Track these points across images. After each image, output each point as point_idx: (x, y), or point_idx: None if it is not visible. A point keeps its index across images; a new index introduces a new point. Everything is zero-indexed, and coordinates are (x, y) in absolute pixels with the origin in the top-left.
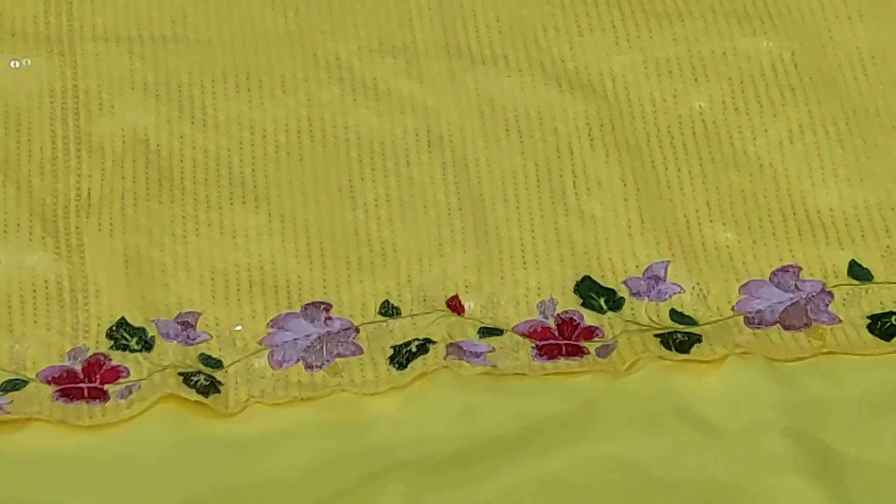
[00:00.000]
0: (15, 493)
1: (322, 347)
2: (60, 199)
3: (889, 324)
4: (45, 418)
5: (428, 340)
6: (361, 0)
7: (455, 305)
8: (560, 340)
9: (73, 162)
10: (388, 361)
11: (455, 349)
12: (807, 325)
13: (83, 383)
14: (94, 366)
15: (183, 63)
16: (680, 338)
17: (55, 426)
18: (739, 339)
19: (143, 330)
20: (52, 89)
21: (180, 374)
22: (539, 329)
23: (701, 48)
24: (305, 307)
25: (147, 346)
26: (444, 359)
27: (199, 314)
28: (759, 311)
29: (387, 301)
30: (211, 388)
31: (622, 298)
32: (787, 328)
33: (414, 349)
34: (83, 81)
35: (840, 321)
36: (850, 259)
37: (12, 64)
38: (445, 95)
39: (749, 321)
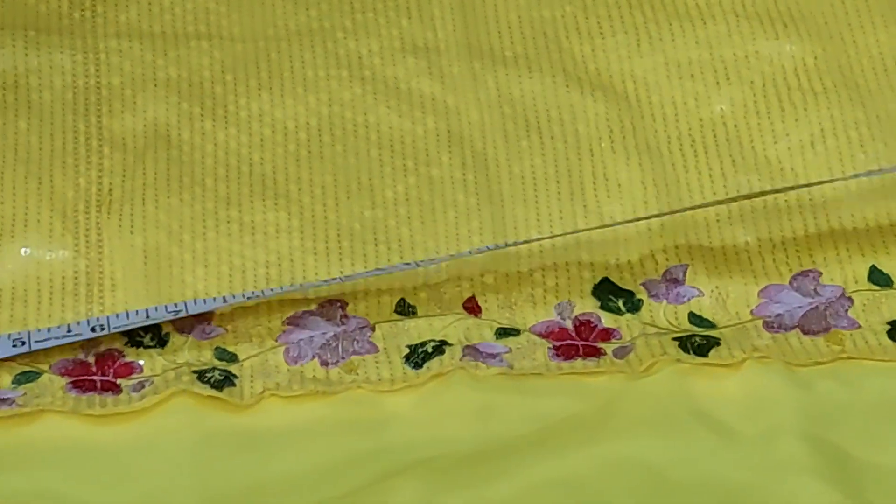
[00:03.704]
0: (29, 485)
1: (338, 345)
2: (81, 194)
3: None
4: (57, 409)
5: (444, 342)
6: None
7: (472, 307)
8: (577, 341)
9: (95, 157)
10: (403, 360)
11: (471, 350)
12: (826, 329)
13: (96, 376)
14: (108, 359)
15: (205, 60)
16: (698, 341)
17: (69, 418)
18: (758, 343)
19: (157, 326)
20: (74, 85)
21: (194, 371)
22: (556, 330)
23: (723, 51)
24: (322, 304)
25: (161, 342)
26: (460, 360)
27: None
28: (778, 316)
29: (403, 300)
30: (225, 381)
31: (640, 301)
32: (806, 333)
33: (430, 349)
34: (106, 78)
35: (860, 326)
36: (870, 264)
37: (36, 61)
38: (466, 95)
39: (768, 325)
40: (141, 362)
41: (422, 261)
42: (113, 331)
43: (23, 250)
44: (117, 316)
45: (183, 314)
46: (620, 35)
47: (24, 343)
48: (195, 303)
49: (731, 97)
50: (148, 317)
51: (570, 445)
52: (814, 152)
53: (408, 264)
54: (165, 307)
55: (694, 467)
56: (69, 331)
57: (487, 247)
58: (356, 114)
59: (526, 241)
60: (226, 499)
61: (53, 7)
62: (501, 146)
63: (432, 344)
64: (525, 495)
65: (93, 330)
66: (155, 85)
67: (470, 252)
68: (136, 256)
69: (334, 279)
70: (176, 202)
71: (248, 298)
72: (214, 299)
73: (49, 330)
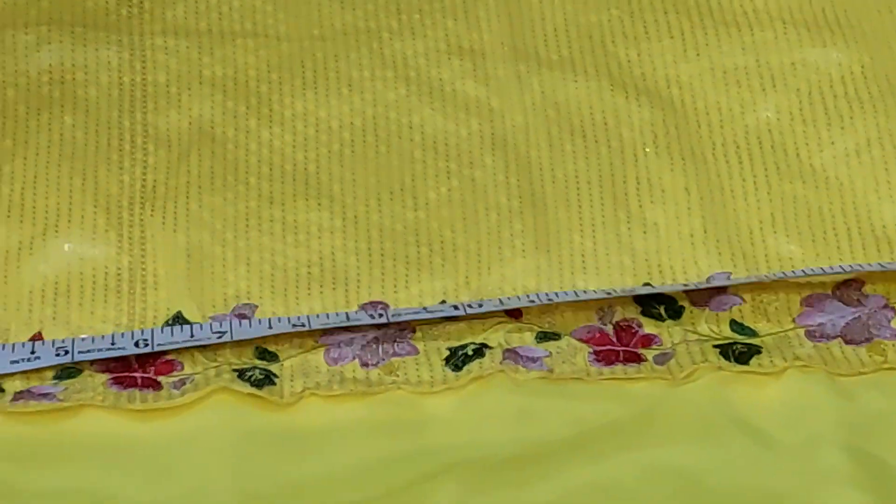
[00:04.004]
0: (68, 479)
1: (378, 346)
2: (125, 190)
3: None
4: (97, 404)
5: (484, 345)
6: (430, 0)
7: (513, 310)
8: (618, 347)
9: (140, 154)
10: (443, 363)
11: (511, 354)
12: (868, 340)
13: (137, 373)
14: (149, 356)
15: (251, 59)
16: (739, 349)
17: (109, 413)
18: (800, 352)
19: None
20: (120, 82)
21: (235, 370)
22: (597, 335)
23: (770, 58)
24: (362, 306)
25: None
26: (500, 363)
27: (257, 307)
28: (820, 325)
29: (444, 302)
30: (265, 380)
31: (682, 307)
32: (848, 343)
33: (470, 352)
34: (152, 75)
35: None
36: None
37: (83, 57)
38: (511, 98)
39: (810, 334)
40: (182, 360)
41: (470, 305)
42: (157, 348)
43: (66, 246)
44: (162, 330)
45: (227, 339)
46: (666, 40)
47: (67, 352)
48: (240, 325)
49: (776, 104)
50: (192, 336)
51: (609, 450)
52: (859, 161)
53: (456, 307)
54: (210, 326)
55: (733, 475)
56: (113, 343)
57: (535, 298)
58: (400, 115)
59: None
60: (264, 497)
61: (101, 3)
62: (545, 149)
63: (472, 347)
64: (563, 499)
65: (136, 345)
66: (200, 83)
67: (520, 298)
68: (178, 254)
69: (374, 319)
70: (219, 200)
71: (295, 327)
72: (260, 322)
73: (93, 340)
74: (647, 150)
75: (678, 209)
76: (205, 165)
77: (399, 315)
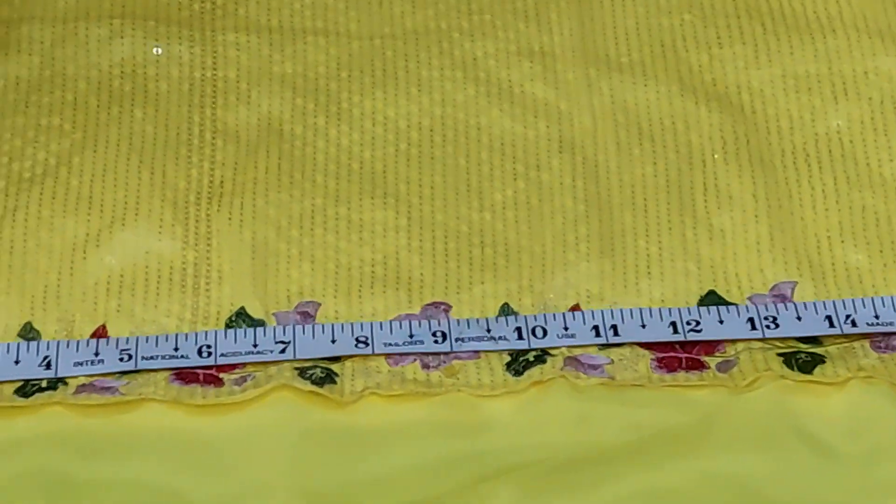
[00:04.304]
0: (128, 472)
1: (439, 349)
2: (193, 185)
3: None
4: (159, 398)
5: (546, 352)
6: (501, 1)
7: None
8: (681, 354)
9: (208, 149)
10: (504, 367)
11: (572, 361)
12: None
13: (199, 369)
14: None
15: (321, 56)
16: (803, 358)
17: (170, 408)
18: (864, 363)
19: (262, 322)
20: (191, 77)
21: (296, 368)
22: (660, 341)
23: (842, 66)
24: (425, 307)
25: None
26: (561, 370)
27: (320, 304)
28: (886, 336)
29: (506, 304)
30: (326, 378)
31: (746, 306)
32: None
33: (531, 358)
34: (222, 70)
35: None
36: None
37: (155, 50)
38: (580, 101)
39: (875, 345)
40: None
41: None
42: (220, 361)
43: (133, 239)
44: (225, 336)
45: (289, 356)
46: (738, 46)
47: (130, 357)
48: (303, 332)
49: (847, 113)
50: (255, 345)
51: (668, 457)
52: None
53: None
54: (274, 332)
55: (793, 486)
56: (176, 349)
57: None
58: (469, 115)
59: None
60: (322, 494)
61: None
62: (613, 153)
63: (534, 353)
64: None
65: (199, 353)
66: (270, 79)
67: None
68: (244, 250)
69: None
70: (286, 197)
71: (357, 346)
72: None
73: (157, 343)
74: (716, 155)
75: (745, 216)
76: (272, 162)
77: (462, 341)
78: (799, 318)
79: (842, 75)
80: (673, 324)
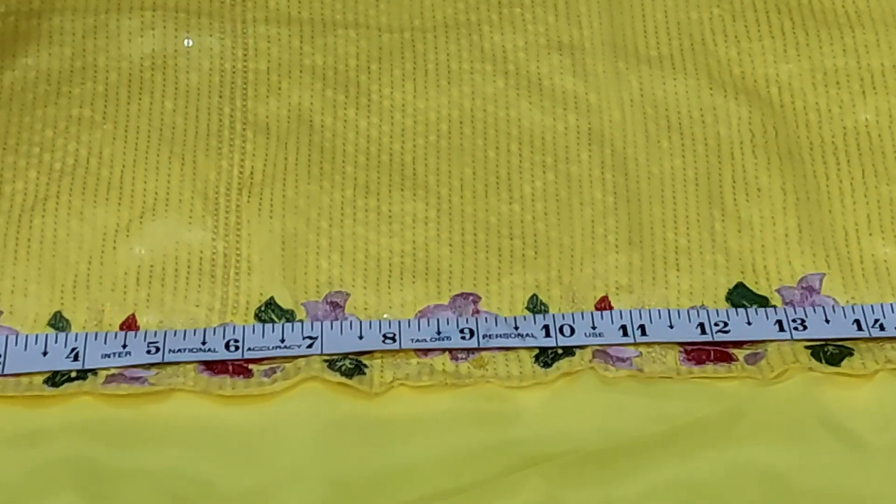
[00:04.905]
0: (157, 461)
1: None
2: (223, 176)
3: None
4: (188, 389)
5: (575, 345)
6: None
7: (605, 307)
8: (709, 346)
9: (238, 141)
10: (533, 359)
11: (601, 354)
12: None
13: (228, 359)
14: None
15: (351, 48)
16: (831, 350)
17: (199, 398)
18: (892, 355)
19: (291, 312)
20: (222, 68)
21: (325, 360)
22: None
23: (871, 60)
24: (454, 298)
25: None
26: (590, 362)
27: (349, 295)
28: None
29: (535, 296)
30: (355, 370)
31: (775, 307)
32: None
33: (560, 350)
34: (253, 62)
35: None
36: None
37: (185, 42)
38: (609, 94)
39: None
40: None
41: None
42: (247, 355)
43: (163, 229)
44: (253, 331)
45: (316, 351)
46: (767, 40)
47: (158, 350)
48: (332, 328)
49: (876, 107)
50: (283, 340)
51: (697, 448)
52: None
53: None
54: (301, 334)
55: (821, 477)
56: (203, 342)
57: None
58: (498, 108)
59: None
60: (350, 484)
61: None
62: (642, 146)
63: (563, 345)
64: (649, 496)
65: (227, 347)
66: (300, 71)
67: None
68: (273, 241)
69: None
70: (316, 189)
71: (385, 342)
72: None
73: (185, 339)
74: (745, 147)
75: (774, 209)
76: (302, 153)
77: (490, 338)
78: (827, 321)
79: (870, 69)
80: (701, 325)
